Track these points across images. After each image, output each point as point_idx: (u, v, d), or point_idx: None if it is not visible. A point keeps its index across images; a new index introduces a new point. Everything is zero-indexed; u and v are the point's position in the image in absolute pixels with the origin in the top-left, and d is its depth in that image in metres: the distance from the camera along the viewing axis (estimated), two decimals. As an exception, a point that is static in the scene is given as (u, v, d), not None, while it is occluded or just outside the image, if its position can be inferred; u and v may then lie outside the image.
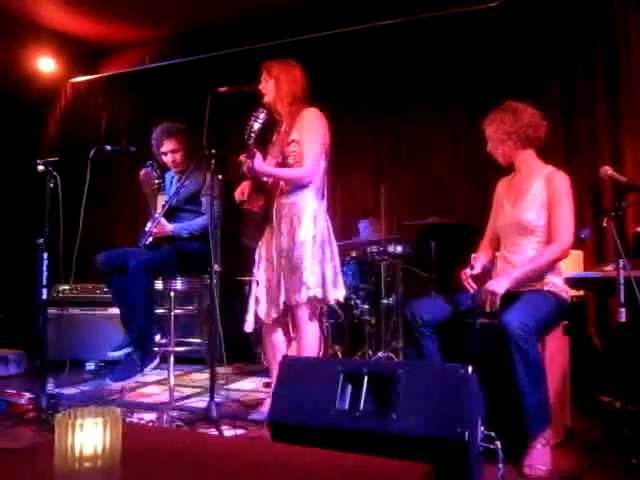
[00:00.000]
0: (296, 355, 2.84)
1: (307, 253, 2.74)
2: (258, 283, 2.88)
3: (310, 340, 2.84)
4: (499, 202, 2.65)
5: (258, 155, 2.66)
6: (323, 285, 2.76)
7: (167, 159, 3.45)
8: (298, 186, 2.82)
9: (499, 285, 2.29)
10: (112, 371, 3.18)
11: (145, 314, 3.19)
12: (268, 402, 2.86)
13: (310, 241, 2.76)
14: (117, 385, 3.12)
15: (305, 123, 2.80)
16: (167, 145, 3.42)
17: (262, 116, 2.65)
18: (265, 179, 2.87)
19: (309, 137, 2.80)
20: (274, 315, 2.81)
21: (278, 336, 2.93)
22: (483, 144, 2.64)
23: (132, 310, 3.19)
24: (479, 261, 2.61)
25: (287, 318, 2.95)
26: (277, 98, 2.84)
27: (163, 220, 3.25)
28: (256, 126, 2.63)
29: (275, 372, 2.92)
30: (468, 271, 2.50)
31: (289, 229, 2.79)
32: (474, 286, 2.45)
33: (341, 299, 2.88)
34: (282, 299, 2.76)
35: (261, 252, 2.93)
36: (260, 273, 2.90)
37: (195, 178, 3.27)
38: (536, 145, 2.54)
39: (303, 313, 2.79)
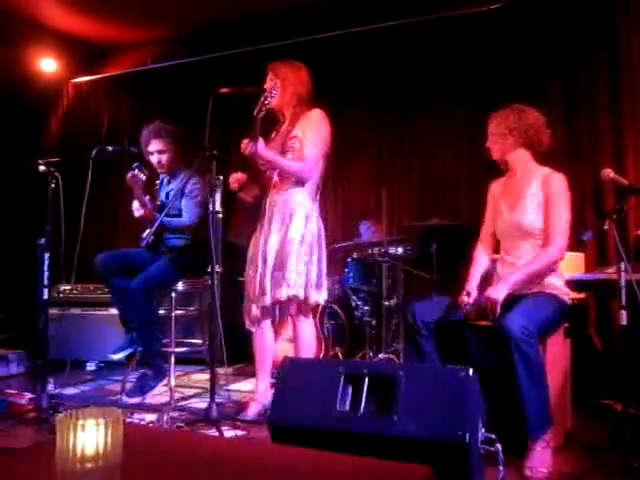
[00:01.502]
0: (295, 356, 2.84)
1: (294, 251, 2.74)
2: (252, 279, 2.88)
3: (306, 339, 2.85)
4: (495, 205, 2.64)
5: (260, 138, 2.68)
6: (305, 286, 2.76)
7: (153, 159, 3.47)
8: (294, 181, 2.82)
9: (498, 292, 2.28)
10: (129, 390, 3.31)
11: (151, 334, 3.24)
12: (253, 405, 2.86)
13: (298, 240, 2.76)
14: (133, 401, 3.20)
15: (310, 122, 2.82)
16: (154, 145, 3.44)
17: (275, 92, 2.68)
18: (262, 169, 2.86)
19: (312, 136, 2.81)
20: (256, 312, 2.81)
21: (269, 338, 2.93)
22: (485, 144, 2.64)
23: (138, 329, 3.24)
24: (474, 280, 2.56)
25: (275, 317, 2.95)
26: (283, 100, 2.85)
27: (150, 205, 3.33)
28: (269, 101, 2.66)
29: (260, 374, 2.93)
30: (465, 298, 2.46)
31: (280, 225, 2.80)
32: (473, 313, 2.42)
33: (321, 302, 2.90)
34: (269, 297, 2.76)
35: (253, 249, 2.93)
36: (251, 269, 2.90)
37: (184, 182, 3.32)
38: (535, 148, 2.54)
39: (293, 311, 2.80)
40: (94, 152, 3.05)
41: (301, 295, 2.75)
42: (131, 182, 3.25)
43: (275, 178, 2.85)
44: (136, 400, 3.17)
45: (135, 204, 3.37)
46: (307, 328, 2.85)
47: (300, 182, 2.83)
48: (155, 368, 3.28)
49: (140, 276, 3.22)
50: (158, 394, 3.34)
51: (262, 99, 2.68)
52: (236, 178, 2.90)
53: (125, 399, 3.20)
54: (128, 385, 3.36)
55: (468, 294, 2.48)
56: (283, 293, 2.73)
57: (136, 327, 3.24)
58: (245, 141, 2.72)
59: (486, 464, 1.77)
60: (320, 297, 2.84)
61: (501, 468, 1.76)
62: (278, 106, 2.88)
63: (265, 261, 2.78)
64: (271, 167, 2.84)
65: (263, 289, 2.76)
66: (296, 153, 2.81)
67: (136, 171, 3.22)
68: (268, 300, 2.76)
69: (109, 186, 5.63)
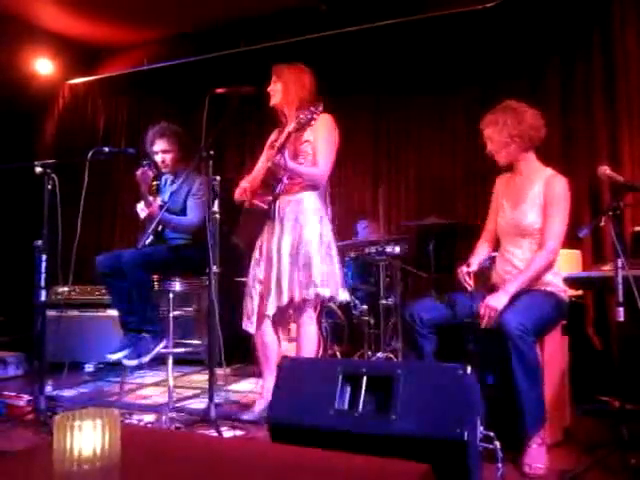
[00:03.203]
0: (295, 354, 2.85)
1: (315, 251, 2.78)
2: (262, 282, 2.89)
3: (310, 338, 2.86)
4: (499, 202, 2.65)
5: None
6: (334, 285, 2.81)
7: (157, 159, 3.48)
8: (304, 185, 2.84)
9: (497, 301, 2.27)
10: (128, 354, 3.15)
11: (146, 301, 3.18)
12: (260, 402, 2.88)
13: (317, 240, 2.81)
14: (132, 364, 3.12)
15: (321, 127, 2.84)
16: (159, 145, 3.45)
17: (318, 112, 2.64)
18: (279, 176, 2.87)
19: (324, 142, 2.85)
20: (271, 313, 2.82)
21: (270, 335, 2.94)
22: (482, 143, 2.63)
23: (133, 299, 3.17)
24: (476, 258, 2.61)
25: (277, 317, 2.95)
26: (284, 101, 2.89)
27: (155, 204, 3.29)
28: (310, 118, 2.63)
29: (266, 372, 2.94)
30: (465, 268, 2.52)
31: (293, 226, 2.82)
32: (471, 283, 2.46)
33: (348, 299, 2.99)
34: (286, 296, 2.77)
35: (262, 250, 2.94)
36: (260, 271, 2.91)
37: (187, 182, 3.31)
38: (537, 146, 2.54)
39: (307, 311, 2.82)
40: (90, 153, 3.04)
41: (328, 294, 2.80)
42: (140, 179, 3.26)
43: (285, 182, 2.85)
44: (134, 363, 3.11)
45: (140, 205, 3.37)
46: (312, 327, 2.87)
47: (312, 186, 2.87)
48: (152, 334, 3.20)
49: (133, 251, 3.19)
50: (156, 395, 3.34)
51: (303, 119, 2.62)
52: (243, 189, 2.90)
53: (126, 362, 3.11)
54: (127, 351, 3.27)
55: (468, 265, 2.52)
56: (311, 293, 2.75)
57: (130, 295, 3.15)
58: (271, 153, 2.74)
59: (485, 461, 1.78)
60: (346, 294, 2.91)
61: (500, 465, 1.77)
62: (279, 107, 2.93)
63: (280, 262, 2.80)
64: (291, 175, 2.85)
65: (280, 289, 2.78)
66: (308, 157, 2.84)
67: (146, 167, 3.26)
68: (285, 300, 2.78)
69: (106, 187, 5.64)
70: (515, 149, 2.50)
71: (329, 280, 2.79)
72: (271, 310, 2.81)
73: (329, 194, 3.04)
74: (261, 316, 2.88)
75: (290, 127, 2.68)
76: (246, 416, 2.82)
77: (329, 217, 2.98)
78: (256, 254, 2.97)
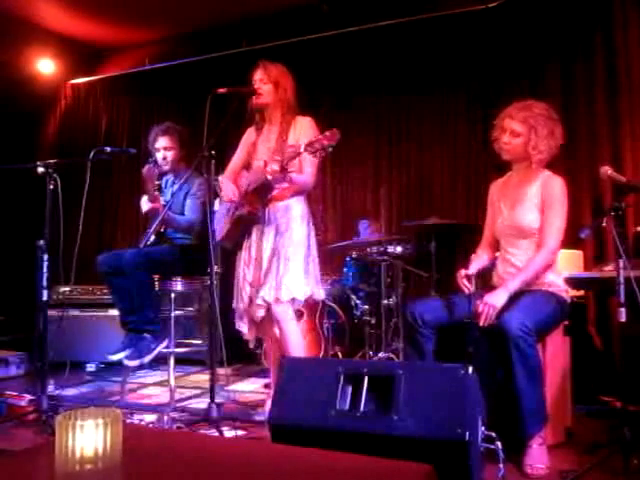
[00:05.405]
0: (283, 353, 2.85)
1: (299, 253, 2.79)
2: (251, 284, 2.89)
3: (295, 338, 2.85)
4: (495, 206, 2.65)
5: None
6: (312, 284, 2.82)
7: (159, 155, 3.50)
8: (295, 192, 2.84)
9: (497, 299, 2.28)
10: (129, 352, 3.15)
11: (146, 300, 3.18)
12: (269, 402, 2.88)
13: (303, 241, 2.81)
14: (133, 364, 3.11)
15: (304, 132, 2.82)
16: (161, 141, 3.48)
17: (336, 139, 2.52)
18: (274, 185, 2.86)
19: None
20: (261, 314, 2.83)
21: (273, 336, 2.94)
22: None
23: (134, 299, 3.17)
24: (476, 262, 2.60)
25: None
26: (273, 103, 2.86)
27: (160, 199, 3.31)
28: (323, 147, 2.51)
29: (273, 372, 2.95)
30: (463, 271, 2.50)
31: (280, 232, 2.82)
32: (469, 286, 2.45)
33: (323, 297, 3.01)
34: (265, 297, 2.77)
35: (250, 252, 2.92)
36: (249, 273, 2.91)
37: (188, 182, 3.33)
38: None
39: (284, 311, 2.79)
40: (92, 153, 3.04)
41: (308, 293, 2.81)
42: (146, 175, 3.31)
43: (277, 188, 2.84)
44: (135, 363, 3.11)
45: (144, 199, 3.38)
46: (295, 327, 2.87)
47: (300, 191, 2.85)
48: (153, 333, 3.20)
49: (135, 250, 3.20)
50: (157, 395, 3.34)
51: (324, 149, 2.50)
52: (232, 192, 2.88)
53: (127, 362, 3.11)
54: (128, 351, 3.25)
55: (466, 268, 2.51)
56: (301, 296, 2.77)
57: (131, 294, 3.14)
58: (275, 169, 2.62)
59: (486, 462, 1.78)
60: (322, 293, 2.93)
61: (501, 466, 1.77)
62: (266, 107, 2.89)
63: (267, 266, 2.80)
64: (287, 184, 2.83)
65: (265, 291, 2.78)
66: (294, 162, 2.80)
67: (152, 165, 3.34)
68: (265, 298, 2.77)
69: (108, 187, 5.64)
70: (528, 156, 2.45)
71: (308, 280, 2.80)
72: (261, 312, 2.82)
73: (309, 192, 3.03)
74: (259, 317, 2.87)
75: (301, 148, 2.54)
76: (259, 417, 2.82)
77: (315, 215, 2.99)
78: (245, 256, 2.94)
